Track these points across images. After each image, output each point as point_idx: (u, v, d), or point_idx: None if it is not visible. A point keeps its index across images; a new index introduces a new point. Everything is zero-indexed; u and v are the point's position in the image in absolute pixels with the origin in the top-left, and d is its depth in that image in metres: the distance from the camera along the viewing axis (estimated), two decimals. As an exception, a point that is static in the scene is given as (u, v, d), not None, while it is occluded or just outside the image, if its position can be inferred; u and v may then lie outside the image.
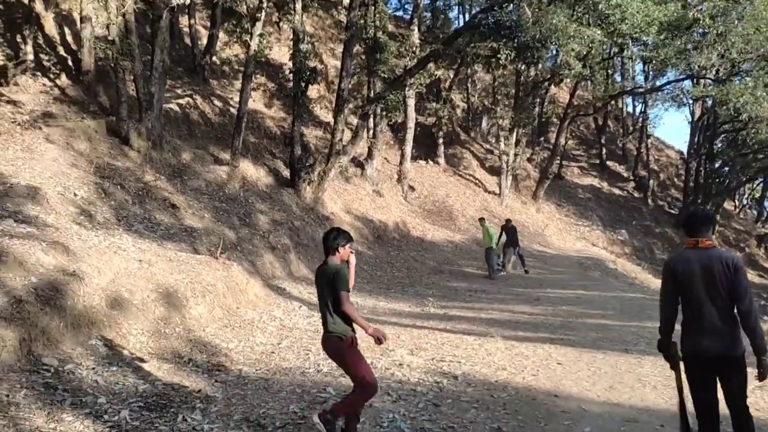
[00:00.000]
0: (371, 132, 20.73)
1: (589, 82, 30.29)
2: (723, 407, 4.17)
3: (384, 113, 19.89)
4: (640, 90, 32.08)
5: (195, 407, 5.42)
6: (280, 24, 22.51)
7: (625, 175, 36.04)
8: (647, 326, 10.17)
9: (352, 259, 4.77)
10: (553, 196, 29.52)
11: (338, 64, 20.51)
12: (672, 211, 34.33)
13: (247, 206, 13.81)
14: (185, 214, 11.76)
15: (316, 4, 23.52)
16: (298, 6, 15.65)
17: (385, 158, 23.37)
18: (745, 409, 4.03)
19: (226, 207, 13.20)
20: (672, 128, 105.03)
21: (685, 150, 37.02)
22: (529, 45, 15.45)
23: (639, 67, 36.27)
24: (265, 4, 15.21)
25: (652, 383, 6.69)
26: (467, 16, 32.43)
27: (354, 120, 19.33)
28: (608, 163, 36.33)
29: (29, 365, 5.43)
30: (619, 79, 35.88)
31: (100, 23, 13.08)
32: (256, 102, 19.20)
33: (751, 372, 4.03)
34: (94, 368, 5.81)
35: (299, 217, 14.92)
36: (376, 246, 16.99)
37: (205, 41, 19.00)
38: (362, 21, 17.65)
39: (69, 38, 14.80)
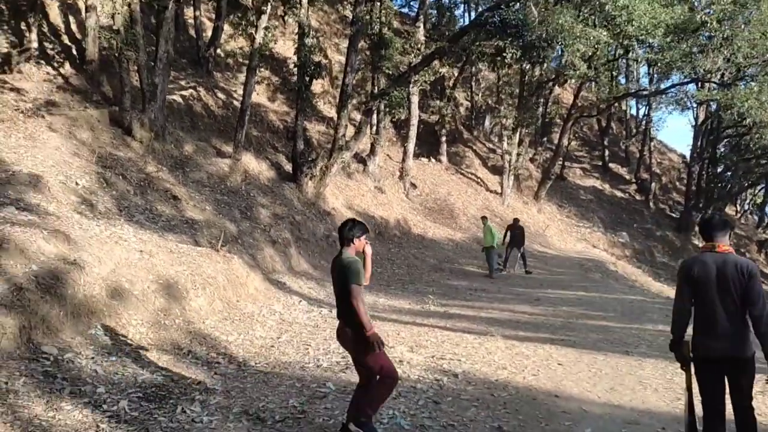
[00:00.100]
0: (374, 128, 20.68)
1: (593, 84, 30.25)
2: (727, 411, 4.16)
3: (387, 110, 19.85)
4: (645, 92, 31.99)
5: (194, 399, 5.39)
6: (285, 18, 22.40)
7: (627, 177, 35.99)
8: (648, 329, 10.16)
9: (368, 250, 4.71)
10: (555, 197, 29.48)
11: (342, 59, 20.48)
12: (673, 215, 34.29)
13: (248, 199, 13.78)
14: (187, 205, 11.73)
15: (322, -1, 23.48)
16: (305, 0, 15.59)
17: (388, 155, 23.32)
18: (751, 410, 4.07)
19: (228, 200, 13.17)
20: (675, 132, 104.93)
21: (687, 154, 36.98)
22: (535, 44, 15.43)
23: (644, 69, 36.24)
24: (271, -3, 15.15)
25: (653, 386, 6.66)
26: (473, 15, 32.39)
27: (357, 116, 19.30)
28: (610, 165, 36.28)
29: (29, 353, 5.40)
30: (623, 81, 35.82)
31: (105, 12, 13.03)
32: (259, 95, 19.15)
33: (758, 378, 4.04)
34: (93, 357, 5.78)
35: (300, 211, 14.89)
36: (376, 242, 16.94)
37: (209, 33, 18.94)
38: (368, 17, 17.60)
39: (73, 27, 14.74)
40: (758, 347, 3.97)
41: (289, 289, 10.96)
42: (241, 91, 16.04)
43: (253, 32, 15.29)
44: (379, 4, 19.36)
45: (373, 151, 20.75)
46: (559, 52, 24.38)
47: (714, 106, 29.35)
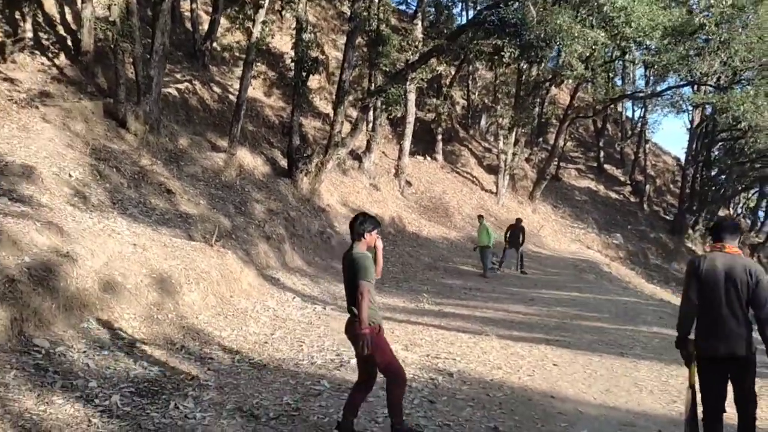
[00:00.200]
0: (370, 125, 20.60)
1: (590, 85, 30.25)
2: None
3: (384, 107, 19.78)
4: (641, 94, 32.07)
5: (187, 395, 5.33)
6: (283, 12, 22.32)
7: (622, 179, 36.09)
8: (642, 330, 10.16)
9: (379, 244, 4.66)
10: (550, 197, 29.50)
11: (339, 55, 20.38)
12: (667, 217, 34.41)
13: (243, 194, 13.69)
14: (181, 199, 11.63)
15: (320, -6, 23.37)
16: (303, -6, 15.49)
17: (383, 152, 23.25)
18: (754, 406, 4.13)
19: (222, 194, 13.08)
20: (670, 134, 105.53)
21: (682, 156, 37.17)
22: (533, 44, 15.39)
23: (640, 71, 36.31)
24: (269, -9, 15.04)
25: (649, 387, 6.65)
26: (471, 13, 32.38)
27: (353, 112, 19.22)
28: (605, 166, 36.37)
29: (20, 346, 5.32)
30: (619, 82, 35.87)
31: (101, 3, 12.90)
32: (255, 90, 19.03)
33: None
34: (85, 351, 5.71)
35: (295, 207, 14.81)
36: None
37: (206, 26, 18.78)
38: (366, 13, 17.50)
39: (69, 17, 14.59)
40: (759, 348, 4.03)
41: (282, 286, 10.89)
42: (236, 86, 15.93)
43: (251, 26, 15.18)
44: (377, 0, 19.27)
45: (368, 148, 20.67)
46: (557, 52, 24.38)
47: (709, 110, 29.44)
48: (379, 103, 18.89)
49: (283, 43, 21.82)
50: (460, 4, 33.77)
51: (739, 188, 35.12)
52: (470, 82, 31.25)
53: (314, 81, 21.12)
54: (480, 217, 17.11)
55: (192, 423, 4.81)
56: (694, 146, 31.99)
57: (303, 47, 15.11)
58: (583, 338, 9.27)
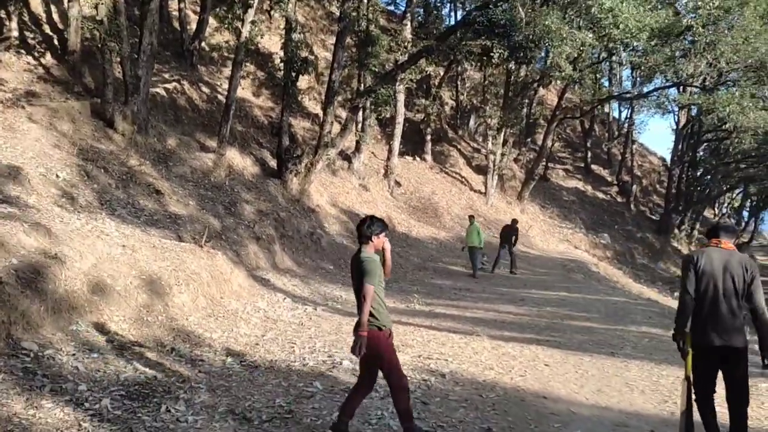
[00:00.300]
0: (360, 126, 20.58)
1: (577, 86, 30.43)
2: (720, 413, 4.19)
3: (373, 107, 19.76)
4: (627, 95, 32.30)
5: (179, 398, 5.27)
6: (271, 12, 22.25)
7: (609, 179, 36.32)
8: (632, 330, 10.21)
9: (387, 246, 4.65)
10: (538, 198, 29.62)
11: (329, 55, 20.33)
12: (653, 217, 34.67)
13: (232, 195, 13.62)
14: (170, 200, 11.55)
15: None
16: (292, -6, 15.43)
17: (373, 153, 23.23)
18: (746, 394, 4.28)
19: (212, 195, 13.00)
20: (656, 135, 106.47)
21: (667, 157, 37.47)
22: (522, 45, 15.44)
23: (627, 72, 36.58)
24: (258, -9, 14.98)
25: (640, 387, 6.67)
26: (459, 14, 32.45)
27: (343, 113, 19.19)
28: (593, 166, 36.59)
29: (8, 349, 5.24)
30: (606, 83, 36.14)
31: (88, 2, 12.77)
32: (244, 90, 18.94)
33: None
34: (74, 354, 5.64)
35: (285, 208, 14.75)
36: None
37: (194, 26, 18.66)
38: (355, 13, 17.48)
39: (55, 16, 14.44)
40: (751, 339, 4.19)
41: (273, 286, 10.84)
42: (225, 86, 15.85)
43: (240, 26, 15.10)
44: (366, 1, 19.24)
45: (358, 149, 20.65)
46: (545, 53, 24.50)
47: (695, 111, 29.71)
48: (368, 104, 18.87)
49: (272, 43, 21.75)
50: (448, 5, 33.89)
51: (724, 188, 35.49)
52: (459, 83, 31.32)
53: (304, 81, 21.03)
54: (471, 217, 17.13)
55: (184, 426, 4.76)
56: (679, 147, 32.28)
57: (292, 47, 15.06)
58: (574, 338, 9.30)
